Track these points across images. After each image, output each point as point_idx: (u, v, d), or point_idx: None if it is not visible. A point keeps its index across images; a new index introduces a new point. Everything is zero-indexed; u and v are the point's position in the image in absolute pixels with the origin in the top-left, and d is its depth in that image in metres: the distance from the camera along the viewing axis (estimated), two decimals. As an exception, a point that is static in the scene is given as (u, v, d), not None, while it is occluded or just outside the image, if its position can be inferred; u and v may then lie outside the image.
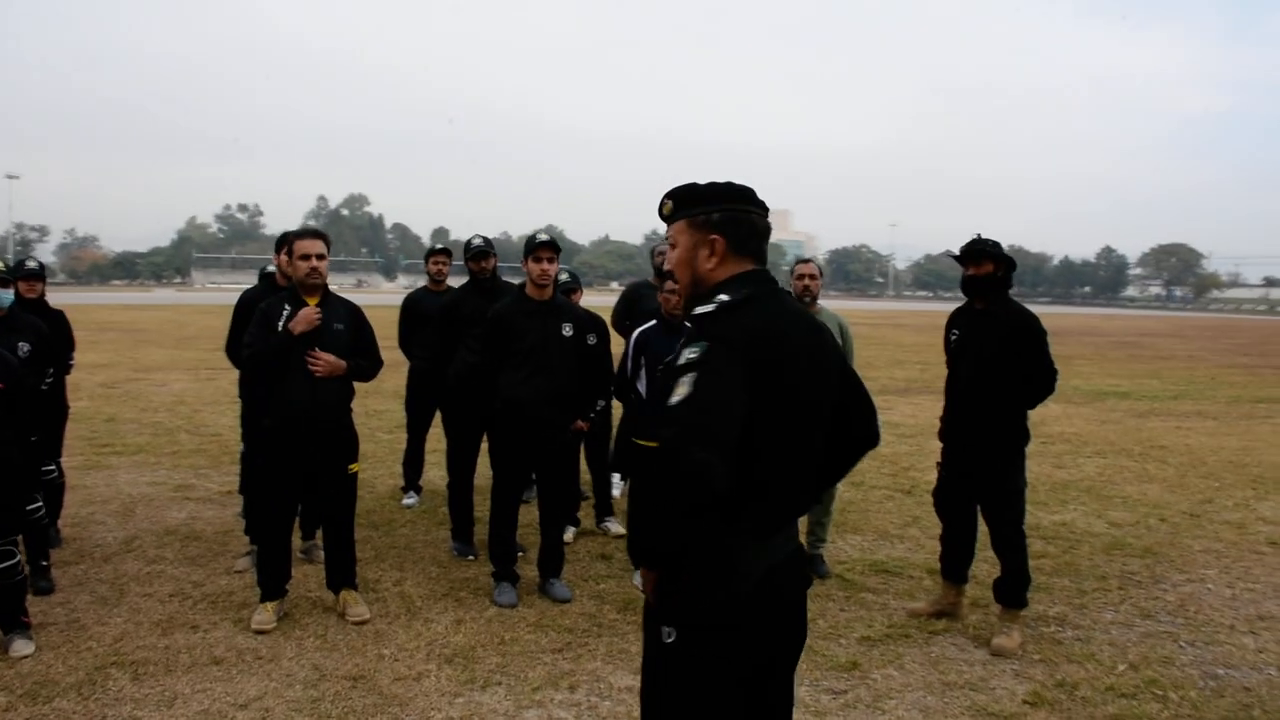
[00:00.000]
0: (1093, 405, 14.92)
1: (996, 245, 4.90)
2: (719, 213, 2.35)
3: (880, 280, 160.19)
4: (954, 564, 5.24)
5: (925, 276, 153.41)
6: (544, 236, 5.28)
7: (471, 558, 6.02)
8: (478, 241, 6.21)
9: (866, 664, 4.54)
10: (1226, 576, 6.17)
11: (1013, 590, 4.91)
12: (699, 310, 2.27)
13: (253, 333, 4.82)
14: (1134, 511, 7.83)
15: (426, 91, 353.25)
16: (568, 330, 5.33)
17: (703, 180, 2.43)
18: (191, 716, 3.83)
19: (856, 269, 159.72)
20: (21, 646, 4.39)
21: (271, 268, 6.51)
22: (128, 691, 4.04)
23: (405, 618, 4.96)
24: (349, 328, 4.91)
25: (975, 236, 4.93)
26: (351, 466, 4.99)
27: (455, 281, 6.76)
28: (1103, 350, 28.89)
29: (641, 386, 5.59)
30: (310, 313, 4.71)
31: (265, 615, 4.78)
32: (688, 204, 2.38)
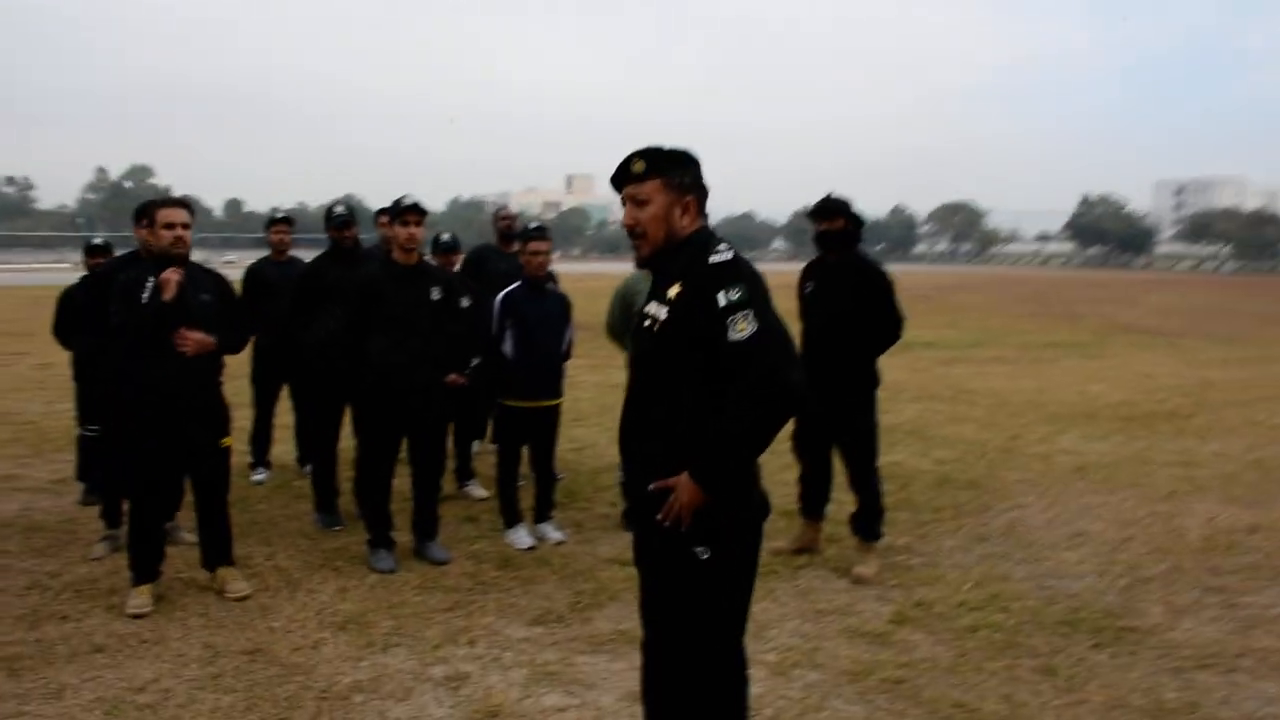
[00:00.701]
0: (903, 355, 15.83)
1: (846, 203, 5.25)
2: (690, 177, 2.60)
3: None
4: (812, 503, 5.62)
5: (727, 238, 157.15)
6: (411, 199, 5.28)
7: (339, 528, 5.99)
8: (341, 210, 6.14)
9: (745, 599, 4.84)
10: (1042, 502, 6.83)
11: (869, 523, 5.32)
12: (718, 258, 2.59)
13: (117, 309, 4.64)
14: (954, 449, 8.49)
15: (222, 56, 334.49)
16: (436, 294, 5.36)
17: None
18: (86, 706, 3.73)
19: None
20: None
21: (99, 240, 6.28)
22: (6, 688, 3.86)
23: (287, 591, 4.92)
24: (215, 298, 4.80)
25: (827, 195, 5.26)
26: (224, 441, 4.89)
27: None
28: (904, 304, 30.56)
29: (508, 348, 5.67)
30: (172, 273, 4.55)
31: (141, 599, 4.65)
32: (663, 167, 2.64)
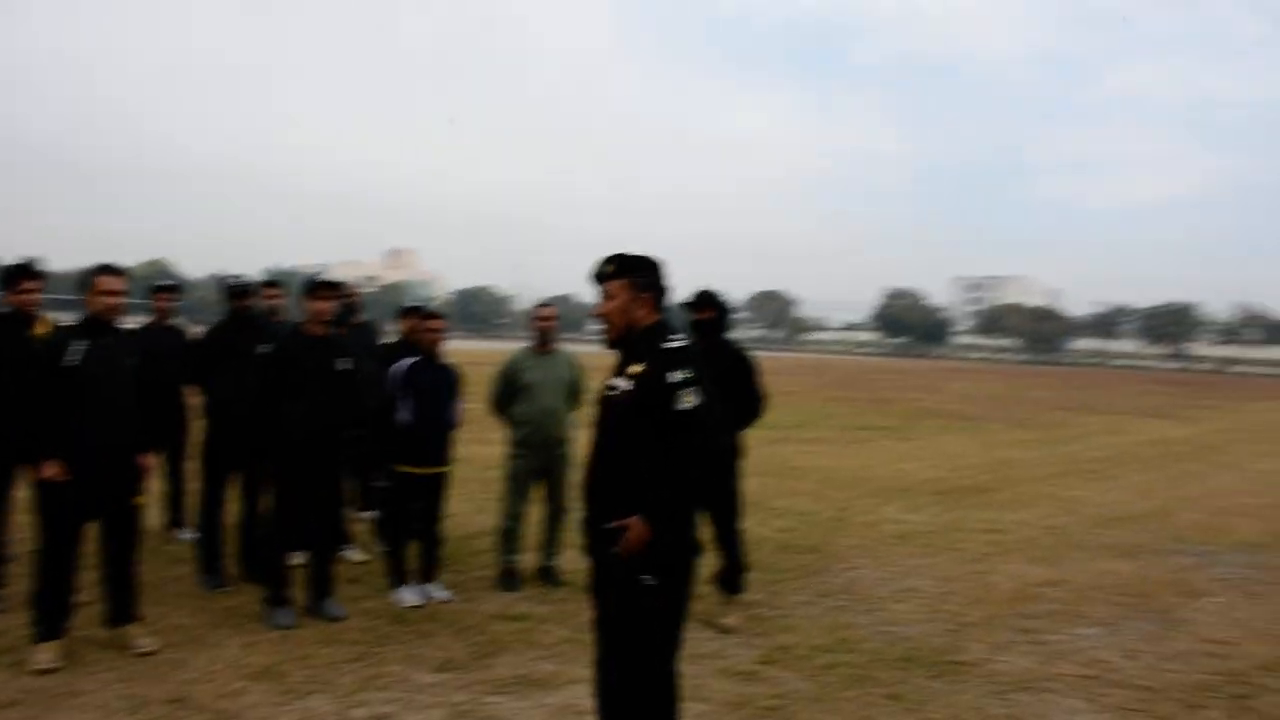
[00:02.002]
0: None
1: (715, 295, 5.96)
2: (650, 280, 3.22)
3: (505, 321, 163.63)
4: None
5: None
6: (325, 277, 5.68)
7: (224, 588, 6.16)
8: (237, 280, 6.45)
9: (628, 647, 5.35)
10: (873, 563, 7.64)
11: (733, 579, 5.94)
12: (670, 345, 3.26)
13: (33, 370, 4.84)
14: (791, 519, 9.28)
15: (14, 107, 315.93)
16: (342, 364, 5.73)
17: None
18: (19, 752, 3.89)
19: (480, 310, 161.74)
20: None
21: None
22: (-73, 740, 3.98)
23: (192, 646, 5.12)
24: (138, 361, 5.07)
25: (700, 290, 5.96)
26: (137, 499, 5.09)
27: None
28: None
29: (404, 416, 6.06)
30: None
31: (49, 654, 4.76)
32: (628, 270, 3.28)
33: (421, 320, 6.26)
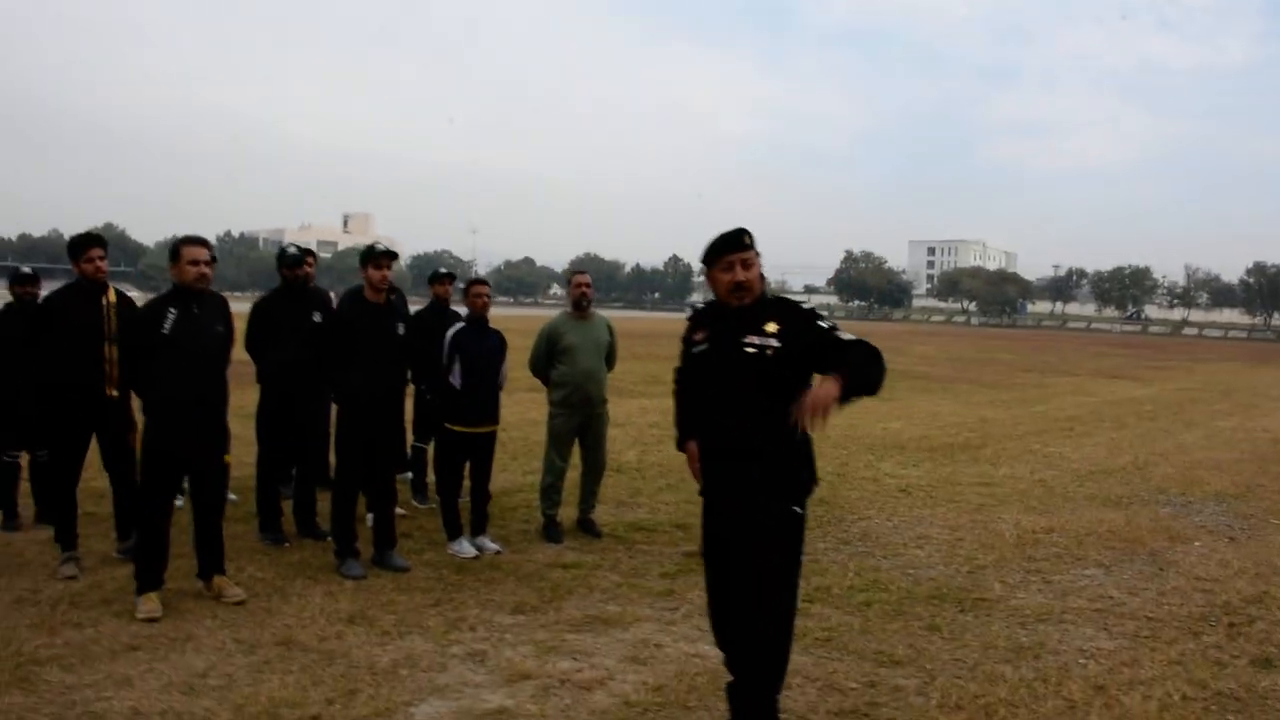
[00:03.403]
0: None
1: None
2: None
3: (462, 285, 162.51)
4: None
5: (505, 282, 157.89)
6: (383, 246, 6.03)
7: (286, 544, 6.53)
8: (293, 249, 6.75)
9: (680, 589, 5.82)
10: (883, 514, 8.15)
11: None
12: (805, 304, 3.76)
13: (130, 336, 5.19)
14: (796, 474, 9.76)
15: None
16: (402, 329, 6.10)
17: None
18: (160, 689, 4.24)
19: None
20: None
21: (27, 269, 6.74)
22: (68, 681, 4.29)
23: (277, 596, 5.50)
24: (226, 327, 5.42)
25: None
26: (225, 457, 5.44)
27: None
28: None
29: (455, 379, 6.44)
30: None
31: (152, 604, 5.12)
32: (754, 241, 3.65)
33: (469, 286, 6.62)
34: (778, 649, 3.75)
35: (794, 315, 3.69)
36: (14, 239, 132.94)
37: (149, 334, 5.15)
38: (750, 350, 3.67)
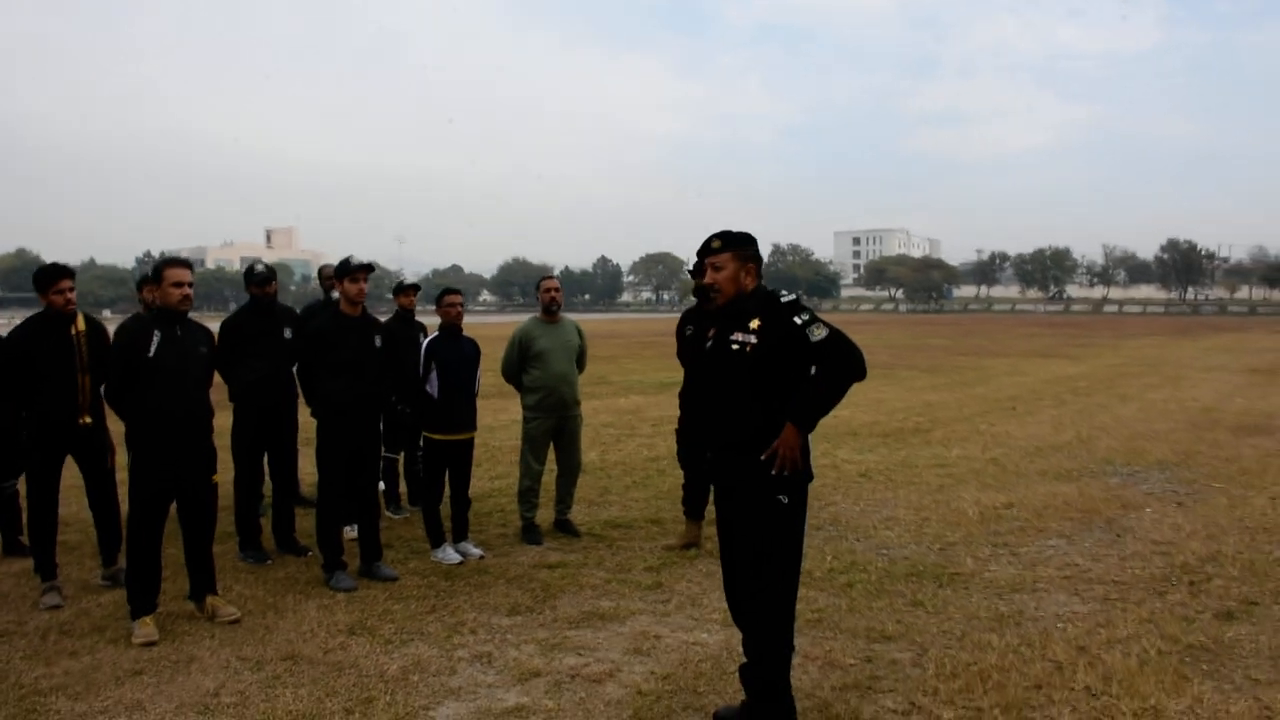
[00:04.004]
0: (667, 393, 17.49)
1: None
2: (751, 251, 3.80)
3: (388, 296, 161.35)
4: (695, 505, 6.80)
5: (434, 290, 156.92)
6: (358, 260, 6.07)
7: (269, 562, 6.54)
8: (261, 268, 6.75)
9: (667, 582, 5.96)
10: (848, 499, 8.39)
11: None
12: (786, 298, 3.84)
13: (117, 360, 5.18)
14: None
15: None
16: (378, 341, 6.15)
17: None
18: (174, 712, 4.24)
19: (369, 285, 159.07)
20: None
21: None
22: (78, 709, 4.27)
23: (271, 612, 5.52)
24: (209, 348, 5.43)
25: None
26: (214, 477, 5.45)
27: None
28: (633, 350, 32.62)
29: (432, 388, 6.51)
30: None
31: (148, 629, 5.11)
32: (734, 244, 3.82)
33: (441, 296, 6.68)
34: (777, 628, 3.92)
35: (773, 310, 3.85)
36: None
37: (134, 357, 5.14)
38: (734, 346, 3.87)
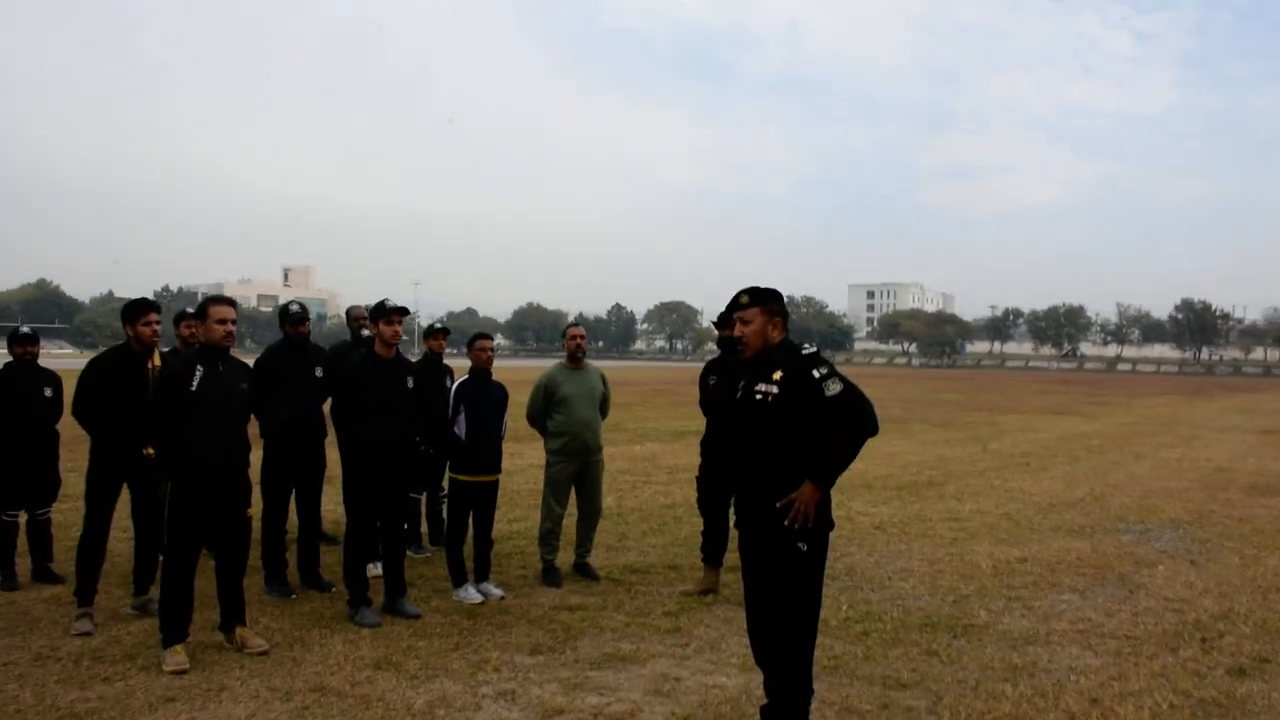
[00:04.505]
0: (682, 441, 17.63)
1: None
2: (778, 306, 3.99)
3: (405, 338, 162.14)
4: (713, 552, 6.91)
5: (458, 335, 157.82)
6: (393, 303, 6.27)
7: (293, 596, 6.67)
8: (296, 307, 6.97)
9: (685, 626, 6.07)
10: (862, 550, 8.48)
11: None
12: (807, 351, 4.03)
13: (159, 395, 5.37)
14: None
15: None
16: (410, 383, 6.32)
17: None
18: (205, 734, 4.40)
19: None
20: None
21: (26, 329, 7.02)
22: (113, 731, 4.45)
23: (299, 647, 5.63)
24: (249, 384, 5.61)
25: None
26: (249, 511, 5.61)
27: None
28: (646, 398, 32.76)
29: (460, 430, 6.67)
30: None
31: (179, 657, 5.24)
32: (761, 300, 4.01)
33: (474, 341, 6.87)
34: (796, 670, 4.07)
35: (794, 362, 4.04)
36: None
37: (177, 391, 5.32)
38: (758, 397, 4.06)
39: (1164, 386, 54.75)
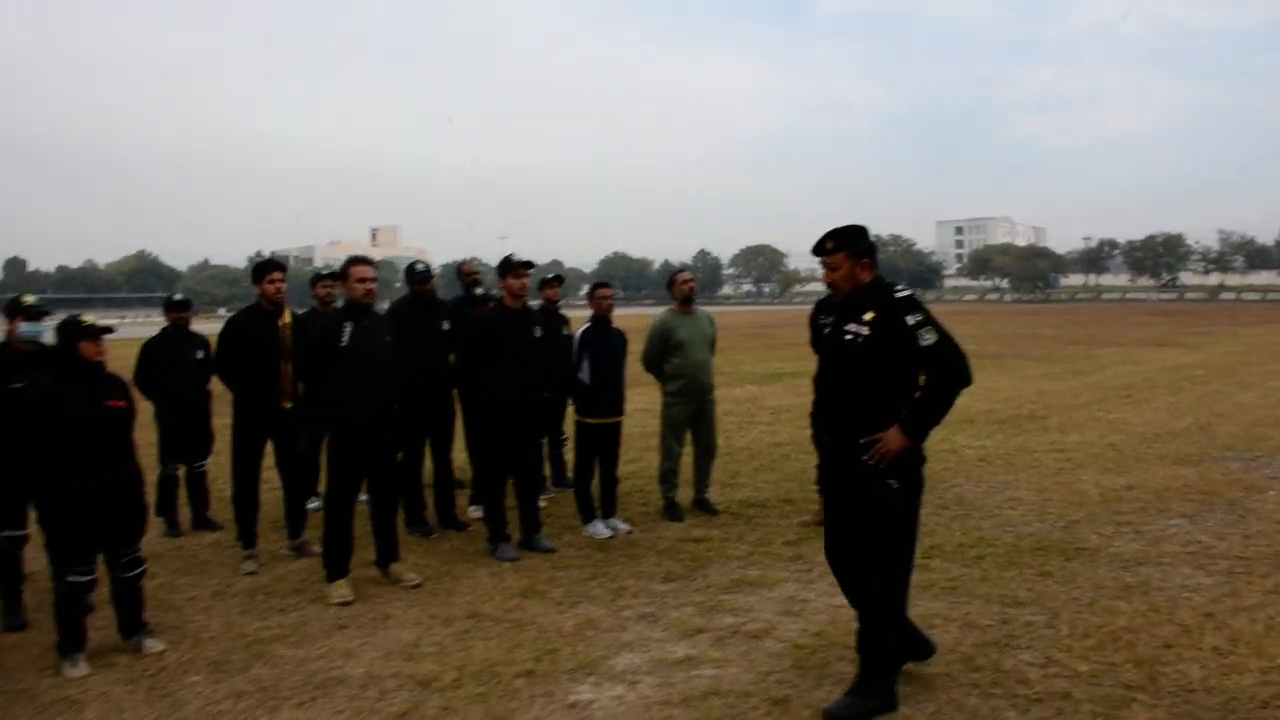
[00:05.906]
0: (780, 383, 17.89)
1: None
2: (864, 246, 4.14)
3: (496, 292, 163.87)
4: (827, 486, 7.20)
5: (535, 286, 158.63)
6: (519, 257, 6.65)
7: (434, 535, 7.17)
8: (421, 266, 7.42)
9: (807, 554, 6.40)
10: (970, 481, 8.69)
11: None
12: (901, 294, 4.07)
13: (312, 352, 5.84)
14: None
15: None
16: (538, 332, 6.71)
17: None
18: (384, 656, 4.87)
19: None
20: (152, 645, 5.08)
21: (179, 296, 7.71)
22: (299, 655, 4.93)
23: (448, 579, 6.12)
24: (392, 336, 6.06)
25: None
26: (399, 455, 6.08)
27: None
28: (739, 342, 32.93)
29: (584, 375, 7.06)
30: None
31: (344, 590, 5.77)
32: (845, 244, 4.14)
33: (594, 289, 7.24)
34: (887, 605, 4.19)
35: (888, 305, 4.05)
36: (51, 271, 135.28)
37: (330, 348, 5.78)
38: (848, 337, 4.12)
39: (1271, 315, 52.90)
